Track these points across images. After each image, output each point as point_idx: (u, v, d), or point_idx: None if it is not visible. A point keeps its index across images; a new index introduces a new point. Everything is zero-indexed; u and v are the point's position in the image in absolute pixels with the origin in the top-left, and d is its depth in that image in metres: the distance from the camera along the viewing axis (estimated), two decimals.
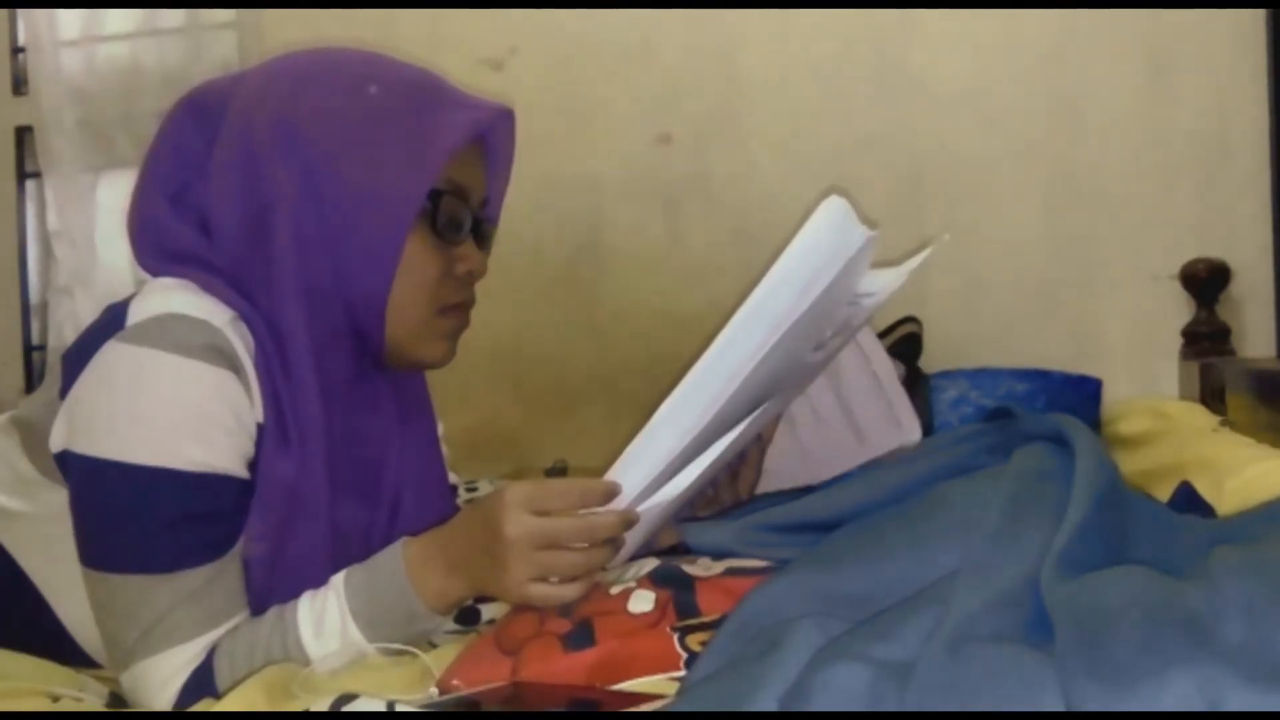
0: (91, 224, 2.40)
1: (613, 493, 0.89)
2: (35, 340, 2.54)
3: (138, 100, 2.35)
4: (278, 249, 0.97)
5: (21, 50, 2.52)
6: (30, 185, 2.55)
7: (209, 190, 1.00)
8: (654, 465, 0.88)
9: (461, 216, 1.02)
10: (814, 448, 1.11)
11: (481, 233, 1.06)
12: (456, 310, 1.05)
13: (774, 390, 0.95)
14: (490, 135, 1.06)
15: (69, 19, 2.43)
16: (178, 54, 2.36)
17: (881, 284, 0.98)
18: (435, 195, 0.99)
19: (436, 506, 1.12)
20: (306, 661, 0.92)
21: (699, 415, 0.86)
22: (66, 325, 2.37)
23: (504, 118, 1.06)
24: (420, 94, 1.01)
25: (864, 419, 1.09)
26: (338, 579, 0.95)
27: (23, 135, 2.52)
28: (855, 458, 1.10)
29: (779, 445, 1.11)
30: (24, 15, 2.48)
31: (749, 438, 1.00)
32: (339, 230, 0.97)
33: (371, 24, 2.10)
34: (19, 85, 2.52)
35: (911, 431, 1.07)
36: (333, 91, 0.99)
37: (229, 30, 2.33)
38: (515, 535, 0.88)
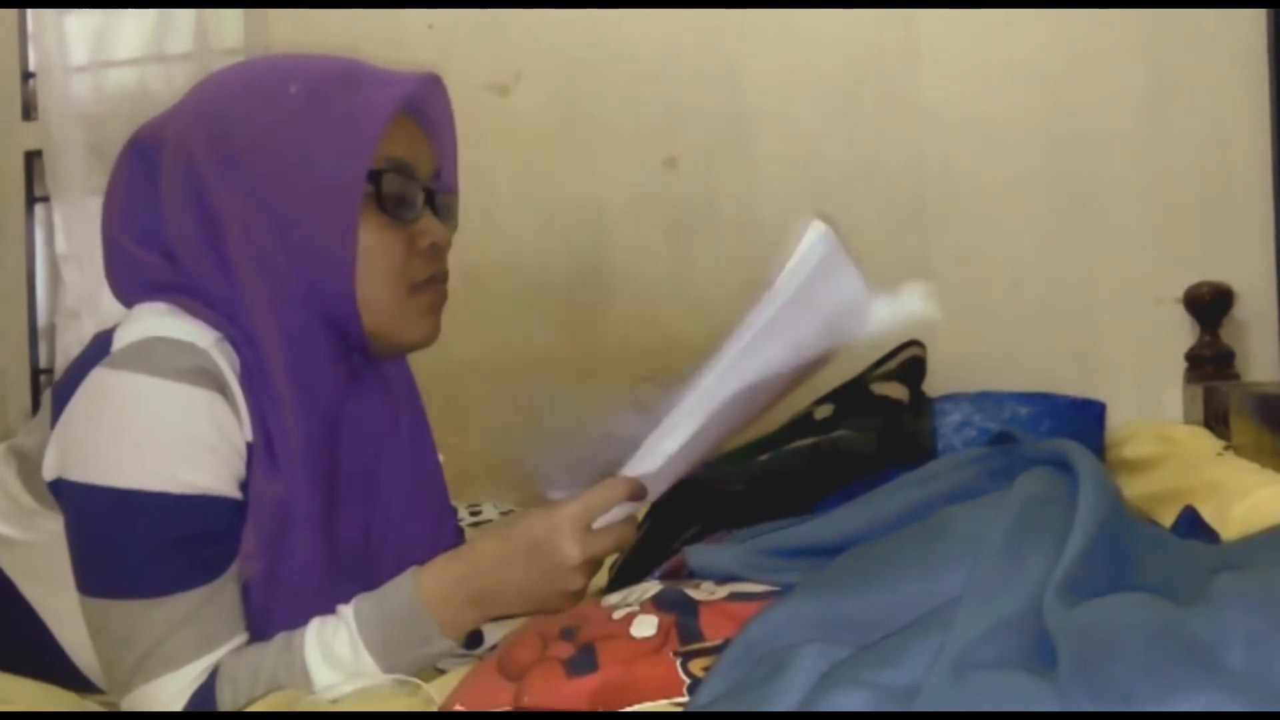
0: (99, 248, 2.41)
1: (640, 488, 0.98)
2: (43, 363, 2.55)
3: None
4: (238, 266, 0.97)
5: (31, 76, 2.54)
6: (39, 209, 2.56)
7: (165, 224, 1.01)
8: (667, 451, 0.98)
9: (409, 192, 1.02)
10: None
11: (438, 204, 1.05)
12: (429, 285, 1.05)
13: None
14: (423, 106, 1.06)
15: (78, 45, 2.45)
16: (186, 79, 2.35)
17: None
18: (375, 176, 0.99)
19: (429, 499, 1.14)
20: (311, 689, 0.92)
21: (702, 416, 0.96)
22: (74, 348, 2.37)
23: (431, 85, 1.06)
24: (339, 80, 1.01)
25: None
26: (347, 611, 0.95)
27: (32, 160, 2.53)
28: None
29: None
30: (34, 41, 2.50)
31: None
32: (291, 233, 0.98)
33: (378, 49, 2.11)
34: (28, 110, 2.54)
35: None
36: (256, 100, 1.00)
37: (237, 55, 2.34)
38: (584, 555, 0.94)
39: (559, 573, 0.94)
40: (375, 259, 0.99)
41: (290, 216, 0.97)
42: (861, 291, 0.96)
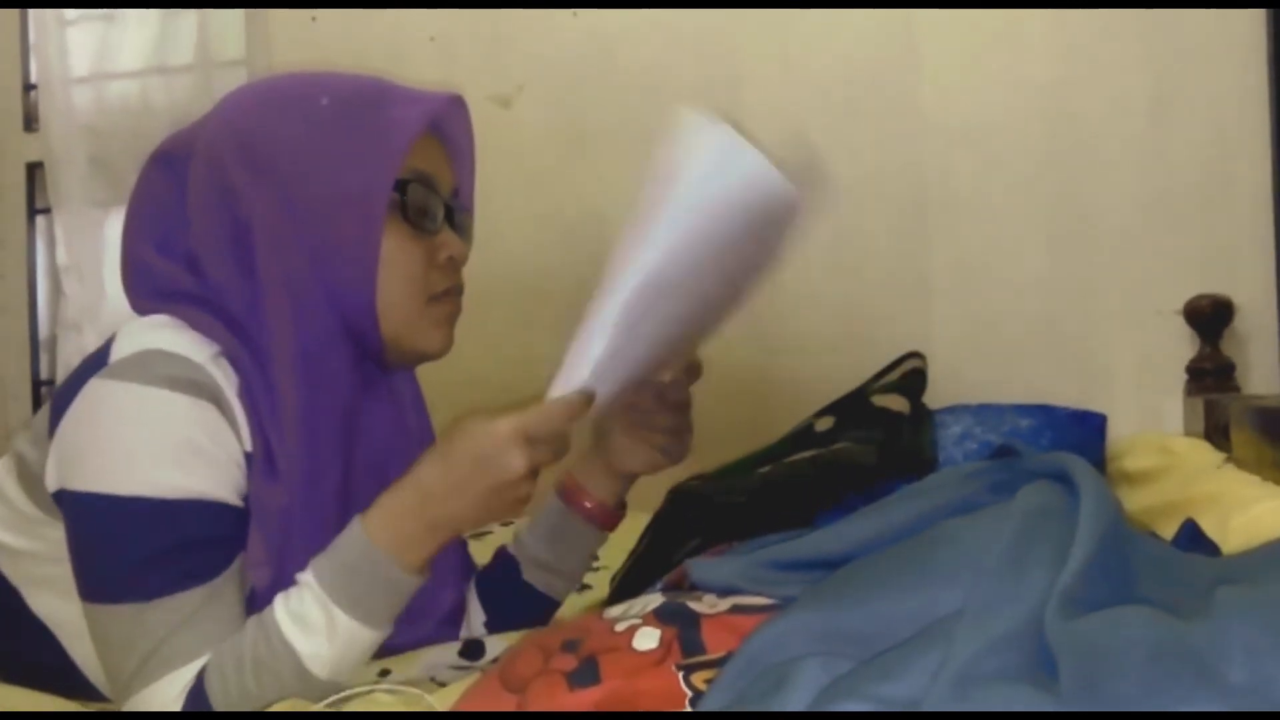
0: (100, 259, 2.42)
1: (585, 401, 0.97)
2: (44, 375, 2.56)
3: (147, 137, 2.32)
4: (263, 271, 1.00)
5: (33, 87, 2.54)
6: (40, 221, 2.57)
7: (191, 233, 1.02)
8: (594, 358, 0.97)
9: (432, 204, 1.04)
10: None
11: (456, 221, 1.08)
12: (446, 297, 1.08)
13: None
14: (446, 125, 1.09)
15: (80, 57, 2.46)
16: (187, 91, 2.39)
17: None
18: (401, 185, 1.01)
19: None
20: (295, 659, 0.92)
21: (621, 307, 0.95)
22: (75, 360, 2.38)
23: (456, 106, 1.09)
24: (370, 95, 1.04)
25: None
26: (306, 575, 0.96)
27: (34, 171, 2.54)
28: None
29: None
30: (35, 52, 2.51)
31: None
32: (316, 239, 1.00)
33: (380, 63, 2.12)
34: (30, 122, 2.55)
35: None
36: (288, 111, 1.02)
37: (238, 68, 2.35)
38: (529, 465, 0.94)
39: (509, 482, 0.94)
40: (397, 267, 1.02)
41: (317, 222, 1.00)
42: (767, 175, 0.94)
